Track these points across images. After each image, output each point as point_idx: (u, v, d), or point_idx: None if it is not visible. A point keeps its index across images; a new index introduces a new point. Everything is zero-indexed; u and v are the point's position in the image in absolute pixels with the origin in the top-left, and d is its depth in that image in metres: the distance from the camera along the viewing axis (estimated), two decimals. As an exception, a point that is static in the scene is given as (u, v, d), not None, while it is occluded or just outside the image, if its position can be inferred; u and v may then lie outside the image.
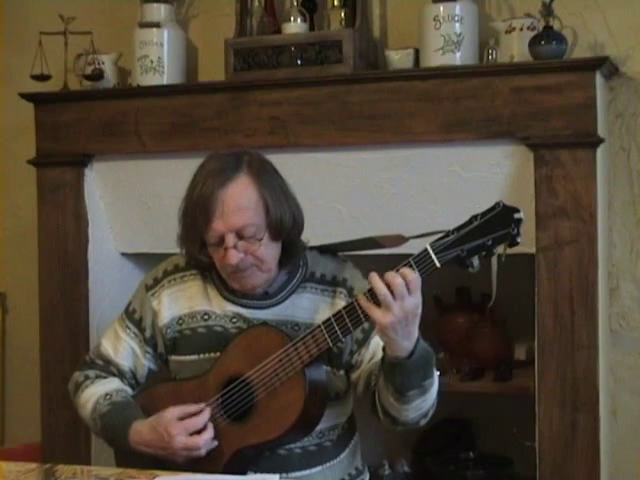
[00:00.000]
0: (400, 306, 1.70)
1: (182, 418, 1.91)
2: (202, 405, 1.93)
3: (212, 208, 1.88)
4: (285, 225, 1.94)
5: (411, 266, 1.72)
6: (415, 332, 1.75)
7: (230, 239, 1.90)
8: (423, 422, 1.91)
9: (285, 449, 1.97)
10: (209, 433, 1.90)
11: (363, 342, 1.98)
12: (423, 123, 2.56)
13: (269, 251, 1.94)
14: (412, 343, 1.75)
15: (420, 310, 1.74)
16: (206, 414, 1.92)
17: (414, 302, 1.72)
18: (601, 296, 2.51)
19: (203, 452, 1.90)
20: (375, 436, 2.76)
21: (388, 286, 1.70)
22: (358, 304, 1.77)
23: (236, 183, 1.90)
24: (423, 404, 1.85)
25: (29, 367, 3.19)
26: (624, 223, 2.70)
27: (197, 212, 1.91)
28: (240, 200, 1.89)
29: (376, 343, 1.96)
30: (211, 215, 1.89)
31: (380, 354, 1.91)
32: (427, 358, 1.79)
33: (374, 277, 1.72)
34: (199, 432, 1.90)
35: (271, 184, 1.94)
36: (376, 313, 1.72)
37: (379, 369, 1.87)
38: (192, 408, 1.93)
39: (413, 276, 1.70)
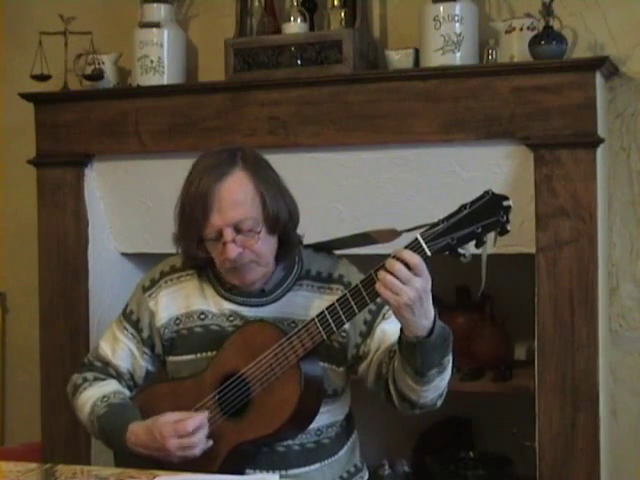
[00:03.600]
0: (410, 288, 1.70)
1: (177, 422, 1.91)
2: (200, 412, 1.93)
3: (209, 203, 1.90)
4: (281, 218, 1.95)
5: (412, 249, 1.72)
6: (431, 310, 1.76)
7: (228, 233, 1.90)
8: (439, 403, 1.92)
9: (283, 446, 1.98)
10: (203, 432, 1.90)
11: (367, 333, 1.99)
12: (423, 123, 2.56)
13: (266, 245, 1.95)
14: (430, 321, 1.76)
15: (430, 286, 1.73)
16: (199, 418, 1.91)
17: (423, 281, 1.72)
18: (601, 296, 2.51)
19: (197, 452, 1.90)
20: (375, 436, 2.76)
21: (391, 273, 1.71)
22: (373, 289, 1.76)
23: (232, 177, 1.92)
24: (441, 383, 1.86)
25: (29, 367, 3.19)
26: (624, 223, 2.70)
27: (194, 208, 1.92)
28: (237, 194, 1.91)
29: (381, 331, 1.97)
30: (209, 210, 1.90)
31: (387, 342, 1.93)
32: (445, 336, 1.80)
33: (379, 272, 1.73)
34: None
35: (266, 178, 1.96)
36: (391, 297, 1.72)
37: (393, 355, 1.88)
38: (189, 414, 1.93)
39: (416, 260, 1.71)
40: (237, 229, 1.91)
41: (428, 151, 2.58)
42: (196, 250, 1.98)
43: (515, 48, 2.61)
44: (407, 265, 1.70)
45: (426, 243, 1.72)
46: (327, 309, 1.85)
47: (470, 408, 2.97)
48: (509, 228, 1.70)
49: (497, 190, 1.73)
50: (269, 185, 1.95)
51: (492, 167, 2.52)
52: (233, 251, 1.91)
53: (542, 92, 2.46)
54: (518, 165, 2.50)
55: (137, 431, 1.95)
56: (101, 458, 2.77)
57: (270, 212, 1.93)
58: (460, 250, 1.71)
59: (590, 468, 2.46)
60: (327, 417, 2.01)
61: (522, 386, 2.71)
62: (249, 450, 1.95)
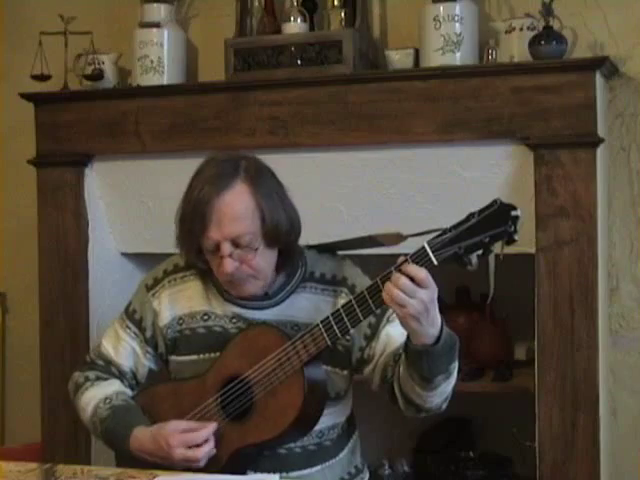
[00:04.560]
0: (416, 300, 1.70)
1: (185, 432, 1.91)
2: (208, 423, 1.92)
3: (208, 216, 1.88)
4: (281, 232, 1.93)
5: (416, 262, 1.72)
6: (438, 318, 1.76)
7: (226, 248, 1.90)
8: (444, 406, 1.92)
9: (285, 448, 1.97)
10: (209, 446, 1.90)
11: (372, 336, 1.99)
12: (423, 123, 2.56)
13: (265, 259, 1.94)
14: (437, 329, 1.76)
15: (436, 295, 1.74)
16: (208, 430, 1.91)
17: (429, 292, 1.72)
18: (601, 296, 2.51)
19: (202, 464, 1.89)
20: (375, 436, 2.76)
21: (397, 287, 1.71)
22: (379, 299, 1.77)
23: (233, 191, 1.89)
24: (447, 388, 1.87)
25: (29, 367, 3.19)
26: (624, 223, 2.70)
27: (194, 219, 1.90)
28: (236, 209, 1.89)
29: (386, 335, 1.97)
30: (207, 223, 1.89)
31: (392, 346, 1.93)
32: (452, 343, 1.81)
33: (385, 284, 1.73)
34: (198, 445, 1.89)
35: (267, 191, 1.93)
36: (397, 308, 1.72)
37: (398, 360, 1.88)
38: (196, 424, 1.93)
39: (422, 275, 1.71)
40: (235, 244, 1.90)
41: (428, 151, 2.58)
42: (195, 259, 1.98)
43: (515, 48, 2.61)
44: (412, 280, 1.70)
45: (433, 252, 1.71)
46: (332, 315, 1.85)
47: (470, 408, 2.96)
48: (517, 238, 1.70)
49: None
50: (270, 198, 1.93)
51: (492, 167, 2.52)
52: (230, 265, 1.90)
53: (542, 92, 2.46)
54: (518, 165, 2.50)
55: (141, 437, 1.95)
56: (101, 458, 2.77)
57: (269, 226, 1.91)
58: (466, 259, 1.71)
59: (590, 468, 2.46)
60: (329, 419, 2.01)
61: (522, 386, 2.71)
62: (251, 453, 1.94)
